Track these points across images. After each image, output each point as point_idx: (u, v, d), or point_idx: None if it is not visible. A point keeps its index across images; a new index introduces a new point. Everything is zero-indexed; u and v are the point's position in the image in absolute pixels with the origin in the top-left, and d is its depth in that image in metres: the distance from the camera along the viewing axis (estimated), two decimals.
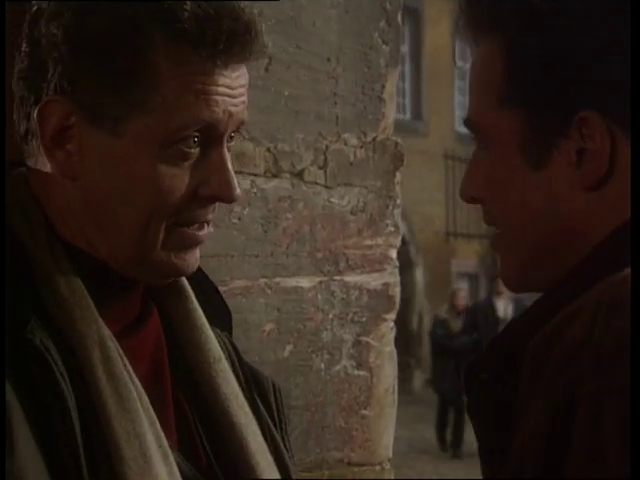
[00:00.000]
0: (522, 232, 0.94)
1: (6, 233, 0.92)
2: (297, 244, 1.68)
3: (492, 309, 10.56)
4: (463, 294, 11.22)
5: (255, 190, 1.63)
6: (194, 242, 0.96)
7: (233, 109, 0.93)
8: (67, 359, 0.89)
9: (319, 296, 1.70)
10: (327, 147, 1.71)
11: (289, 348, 1.67)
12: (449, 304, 10.93)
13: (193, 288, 1.07)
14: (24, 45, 0.94)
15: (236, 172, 1.70)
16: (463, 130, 16.72)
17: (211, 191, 0.94)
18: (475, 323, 10.34)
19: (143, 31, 0.89)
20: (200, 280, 1.09)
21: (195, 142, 0.92)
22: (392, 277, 1.78)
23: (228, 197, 0.95)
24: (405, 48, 15.96)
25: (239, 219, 1.61)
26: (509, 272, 0.97)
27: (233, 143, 0.97)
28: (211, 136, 0.93)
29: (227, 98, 0.93)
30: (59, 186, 0.95)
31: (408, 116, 15.87)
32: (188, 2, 0.89)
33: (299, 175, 1.68)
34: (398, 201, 1.79)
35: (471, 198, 0.98)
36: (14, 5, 1.14)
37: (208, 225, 0.98)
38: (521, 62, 0.91)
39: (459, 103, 16.92)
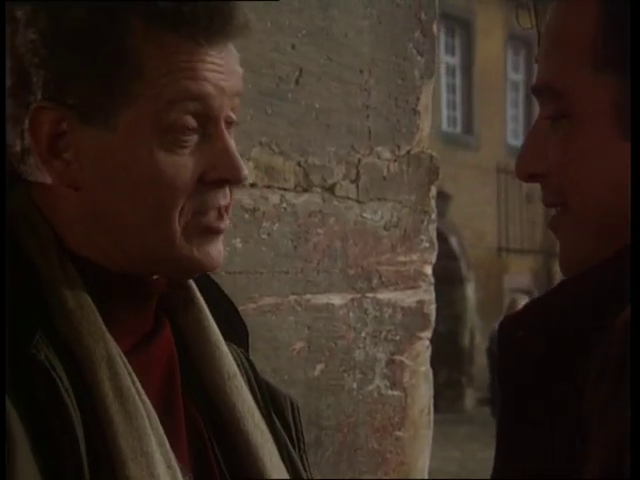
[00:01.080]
0: (599, 207, 0.85)
1: (15, 248, 0.91)
2: (328, 260, 1.64)
3: None
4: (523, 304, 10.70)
5: (285, 205, 1.60)
6: (214, 231, 0.93)
7: (224, 83, 0.91)
8: (74, 375, 0.87)
9: (351, 314, 1.66)
10: (359, 161, 1.67)
11: (320, 367, 1.63)
12: (508, 311, 10.67)
13: (209, 304, 1.04)
14: (8, 61, 0.93)
15: (265, 187, 1.69)
16: (515, 143, 16.64)
17: (217, 174, 0.91)
18: None
19: (119, 19, 0.88)
20: (217, 297, 1.07)
21: (191, 129, 0.90)
22: (427, 294, 1.73)
23: (236, 177, 0.92)
24: (456, 60, 15.89)
25: (268, 235, 1.58)
26: (574, 252, 0.89)
27: (233, 132, 0.94)
28: (207, 116, 0.91)
29: (216, 74, 0.90)
30: (63, 198, 0.93)
31: (459, 129, 15.76)
32: None
33: (330, 189, 1.64)
34: (433, 216, 1.74)
35: (530, 175, 0.89)
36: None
37: (226, 213, 0.94)
38: (624, 18, 0.81)
39: (511, 116, 16.75)
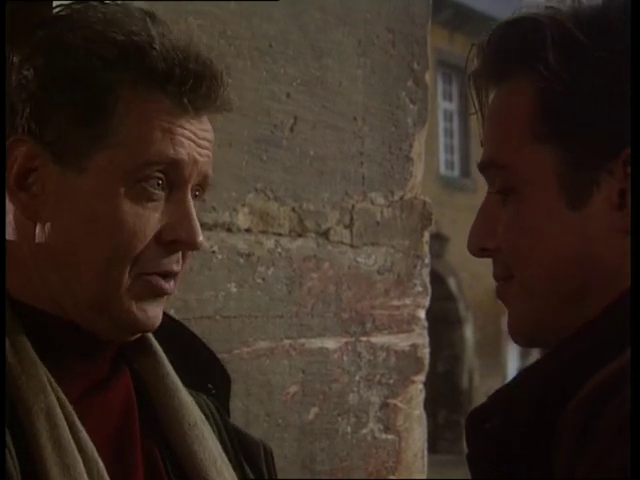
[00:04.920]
0: (548, 279, 0.87)
1: None
2: (322, 304, 1.65)
3: None
4: None
5: (279, 250, 1.62)
6: (158, 291, 0.94)
7: (198, 157, 0.94)
8: (15, 426, 0.87)
9: (345, 357, 1.67)
10: (353, 206, 1.69)
11: (314, 411, 1.64)
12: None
13: (185, 353, 1.05)
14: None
15: (260, 232, 1.72)
16: None
17: (175, 235, 0.93)
18: None
19: (112, 68, 0.91)
20: (196, 346, 1.08)
21: (159, 185, 0.92)
22: (420, 338, 1.75)
23: (192, 242, 0.94)
24: (454, 106, 16.03)
25: (263, 279, 1.60)
26: (524, 323, 0.90)
27: (197, 204, 0.96)
28: (176, 180, 0.93)
29: (192, 143, 0.93)
30: (22, 240, 0.94)
31: (457, 173, 15.85)
32: (157, 42, 0.90)
33: (324, 234, 1.66)
34: (426, 260, 1.76)
35: (481, 250, 0.92)
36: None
37: (175, 279, 0.96)
38: (561, 95, 0.86)
39: None
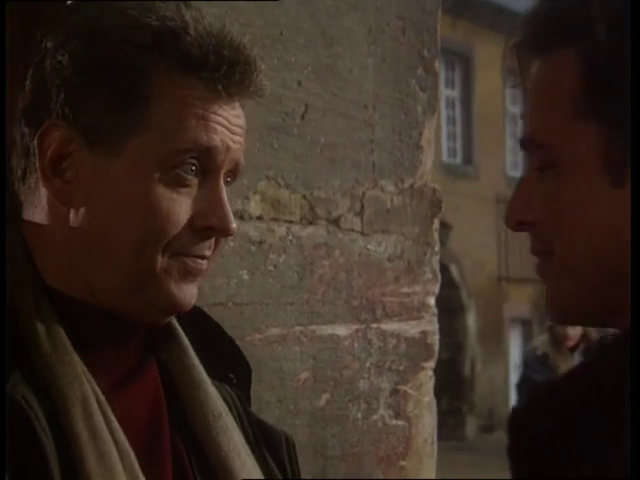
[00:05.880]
0: (590, 255, 0.87)
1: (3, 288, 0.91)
2: (333, 291, 1.66)
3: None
4: None
5: (291, 237, 1.63)
6: (195, 271, 0.95)
7: (230, 143, 0.94)
8: (51, 414, 0.88)
9: (356, 344, 1.68)
10: (364, 194, 1.70)
11: (325, 397, 1.65)
12: (552, 334, 6.15)
13: (209, 342, 1.06)
14: (27, 84, 0.95)
15: (272, 219, 1.72)
16: (514, 174, 16.68)
17: (208, 222, 0.93)
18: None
19: (147, 53, 0.91)
20: (218, 334, 1.08)
21: (192, 171, 0.92)
22: (430, 325, 1.76)
23: (225, 229, 0.94)
24: (456, 93, 15.99)
25: (275, 266, 1.60)
26: (563, 300, 0.90)
27: (228, 190, 0.96)
28: (209, 167, 0.93)
29: (225, 130, 0.93)
30: (55, 225, 0.94)
31: (459, 160, 15.83)
32: (191, 27, 0.90)
33: (335, 222, 1.67)
34: (436, 248, 1.77)
35: (519, 223, 0.91)
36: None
37: (208, 261, 0.96)
38: (605, 70, 0.85)
39: (510, 147, 16.82)
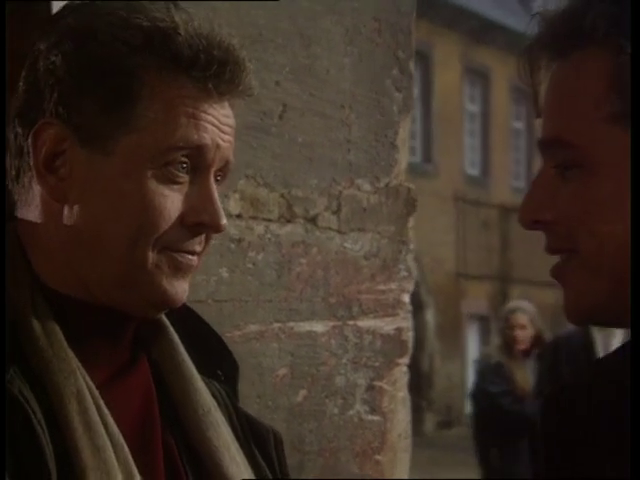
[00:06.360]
0: (616, 253, 0.86)
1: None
2: (311, 289, 1.69)
3: (588, 344, 5.32)
4: (527, 319, 5.88)
5: (269, 235, 1.65)
6: (185, 267, 0.96)
7: (220, 142, 0.96)
8: (47, 408, 0.89)
9: (332, 341, 1.71)
10: (340, 193, 1.73)
11: (303, 393, 1.67)
12: (503, 338, 5.98)
13: (197, 339, 1.07)
14: (21, 86, 0.96)
15: (251, 217, 1.74)
16: (473, 172, 16.84)
17: (199, 218, 0.95)
18: (559, 369, 5.36)
19: (138, 53, 0.93)
20: (205, 332, 1.10)
21: (184, 168, 0.94)
22: (405, 322, 1.79)
23: (216, 225, 0.96)
24: (415, 91, 16.10)
25: (253, 264, 1.62)
26: (584, 301, 0.89)
27: (218, 188, 0.98)
28: (199, 164, 0.95)
29: (215, 129, 0.95)
30: (49, 222, 0.96)
31: (418, 158, 15.94)
32: (182, 28, 0.92)
33: (313, 220, 1.69)
34: (411, 246, 1.80)
35: (535, 222, 0.91)
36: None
37: (199, 257, 0.98)
38: (629, 75, 0.84)
39: (468, 146, 16.99)
